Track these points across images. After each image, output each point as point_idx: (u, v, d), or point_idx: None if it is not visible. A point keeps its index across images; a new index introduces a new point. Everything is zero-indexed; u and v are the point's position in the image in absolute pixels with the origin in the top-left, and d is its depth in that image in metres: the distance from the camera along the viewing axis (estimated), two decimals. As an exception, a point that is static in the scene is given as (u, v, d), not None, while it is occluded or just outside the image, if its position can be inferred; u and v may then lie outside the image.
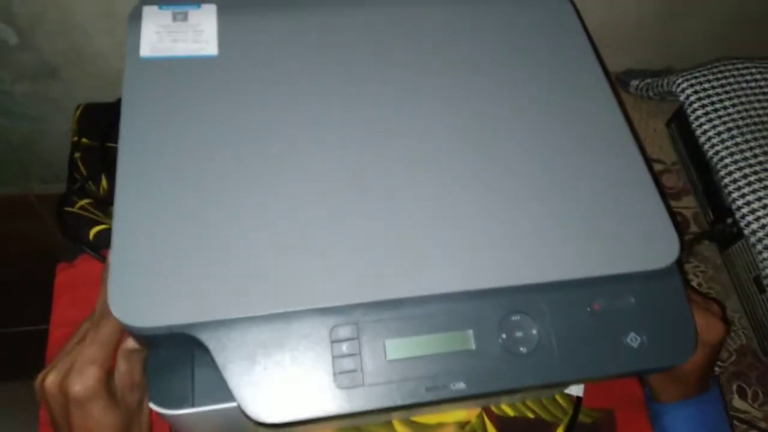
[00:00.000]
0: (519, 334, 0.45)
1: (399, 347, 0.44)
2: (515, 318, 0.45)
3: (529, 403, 0.64)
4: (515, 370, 0.45)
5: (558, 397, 0.64)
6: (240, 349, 0.42)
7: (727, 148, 0.72)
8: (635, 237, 0.48)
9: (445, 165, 0.50)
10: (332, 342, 0.43)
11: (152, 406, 0.48)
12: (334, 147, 0.50)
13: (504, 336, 0.45)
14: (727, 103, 0.75)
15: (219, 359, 0.42)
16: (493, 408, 0.63)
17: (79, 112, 0.72)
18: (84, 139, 0.70)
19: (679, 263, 0.49)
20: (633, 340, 0.46)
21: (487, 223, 0.47)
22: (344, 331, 0.43)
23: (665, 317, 0.47)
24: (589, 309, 0.47)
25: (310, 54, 0.55)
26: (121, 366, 0.48)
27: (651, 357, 0.46)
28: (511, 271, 0.45)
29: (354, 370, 0.43)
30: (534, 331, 0.45)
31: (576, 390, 0.63)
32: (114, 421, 0.45)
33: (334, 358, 0.43)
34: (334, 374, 0.43)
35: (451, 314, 0.45)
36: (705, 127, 0.74)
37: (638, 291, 0.47)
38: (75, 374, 0.44)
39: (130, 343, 0.47)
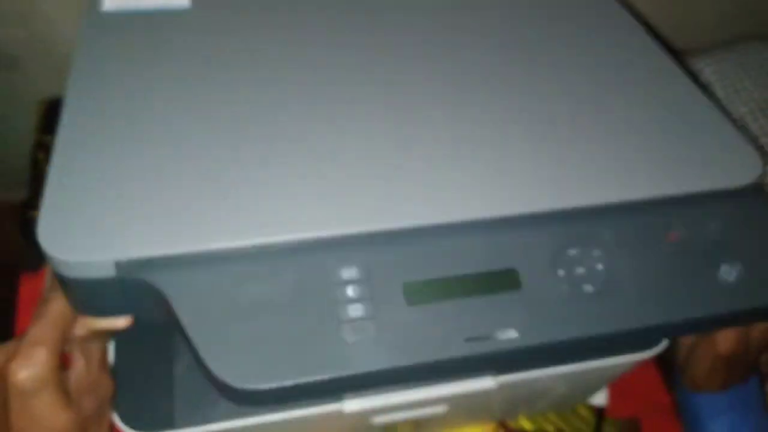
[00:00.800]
0: (580, 270, 0.35)
1: (424, 289, 0.33)
2: (573, 251, 0.35)
3: (549, 416, 0.55)
4: (582, 313, 0.33)
5: (580, 408, 0.56)
6: (212, 295, 0.31)
7: (750, 131, 0.65)
8: (709, 152, 0.39)
9: (484, 66, 0.42)
10: (335, 284, 0.32)
11: (122, 427, 0.37)
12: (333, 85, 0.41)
13: (562, 272, 0.34)
14: (747, 83, 0.69)
15: (182, 311, 0.31)
16: (510, 423, 0.55)
17: (43, 107, 0.64)
18: (49, 137, 0.61)
19: (763, 182, 0.39)
20: (727, 273, 0.36)
21: (534, 133, 0.38)
22: (350, 270, 0.33)
23: (761, 243, 0.37)
24: (665, 239, 0.36)
25: (298, 5, 0.48)
26: (78, 362, 0.36)
27: (756, 292, 0.35)
28: (564, 191, 0.35)
29: (365, 318, 0.32)
30: (600, 267, 0.35)
31: (599, 399, 0.55)
32: (62, 423, 0.33)
33: (338, 303, 0.32)
34: (340, 324, 0.31)
35: (490, 246, 0.34)
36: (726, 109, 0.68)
37: (722, 215, 0.37)
38: (20, 357, 0.33)
39: (83, 326, 0.35)
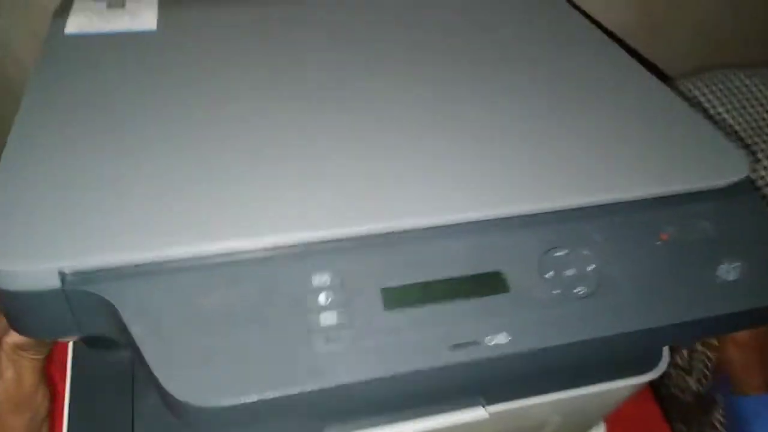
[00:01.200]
0: (571, 271, 0.32)
1: (403, 294, 0.30)
2: (562, 252, 0.33)
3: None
4: (575, 316, 0.31)
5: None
6: (168, 306, 0.28)
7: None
8: (696, 151, 0.37)
9: (466, 69, 0.41)
10: (308, 292, 0.29)
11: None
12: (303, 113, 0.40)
13: (551, 274, 0.32)
14: (720, 110, 0.70)
15: (132, 323, 0.27)
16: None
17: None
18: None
19: (751, 181, 0.37)
20: (727, 271, 0.33)
21: (521, 134, 0.36)
22: (323, 276, 0.30)
23: (758, 241, 0.35)
24: (657, 239, 0.34)
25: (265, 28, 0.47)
26: (7, 372, 0.32)
27: (758, 290, 0.33)
28: (551, 191, 0.33)
29: (339, 326, 0.29)
30: (591, 268, 0.32)
31: None
32: None
33: (309, 311, 0.29)
34: (310, 332, 0.28)
35: (474, 249, 0.32)
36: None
37: (713, 213, 0.35)
38: None
39: (17, 335, 0.32)
